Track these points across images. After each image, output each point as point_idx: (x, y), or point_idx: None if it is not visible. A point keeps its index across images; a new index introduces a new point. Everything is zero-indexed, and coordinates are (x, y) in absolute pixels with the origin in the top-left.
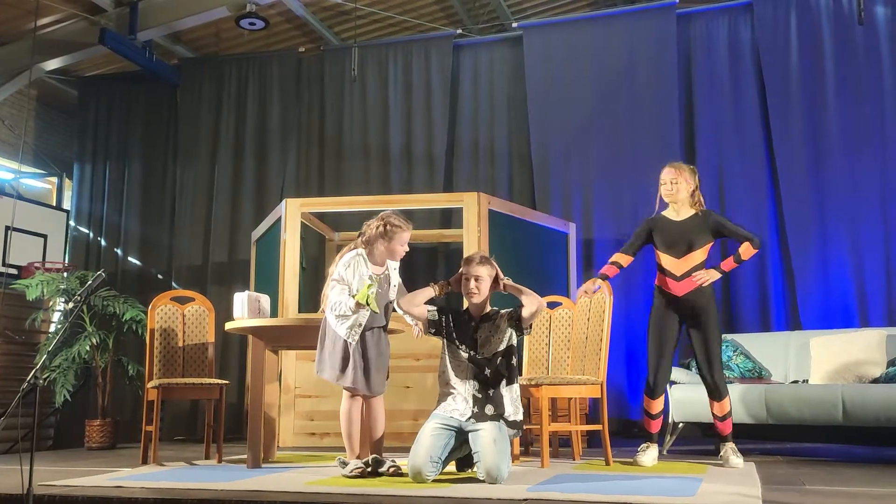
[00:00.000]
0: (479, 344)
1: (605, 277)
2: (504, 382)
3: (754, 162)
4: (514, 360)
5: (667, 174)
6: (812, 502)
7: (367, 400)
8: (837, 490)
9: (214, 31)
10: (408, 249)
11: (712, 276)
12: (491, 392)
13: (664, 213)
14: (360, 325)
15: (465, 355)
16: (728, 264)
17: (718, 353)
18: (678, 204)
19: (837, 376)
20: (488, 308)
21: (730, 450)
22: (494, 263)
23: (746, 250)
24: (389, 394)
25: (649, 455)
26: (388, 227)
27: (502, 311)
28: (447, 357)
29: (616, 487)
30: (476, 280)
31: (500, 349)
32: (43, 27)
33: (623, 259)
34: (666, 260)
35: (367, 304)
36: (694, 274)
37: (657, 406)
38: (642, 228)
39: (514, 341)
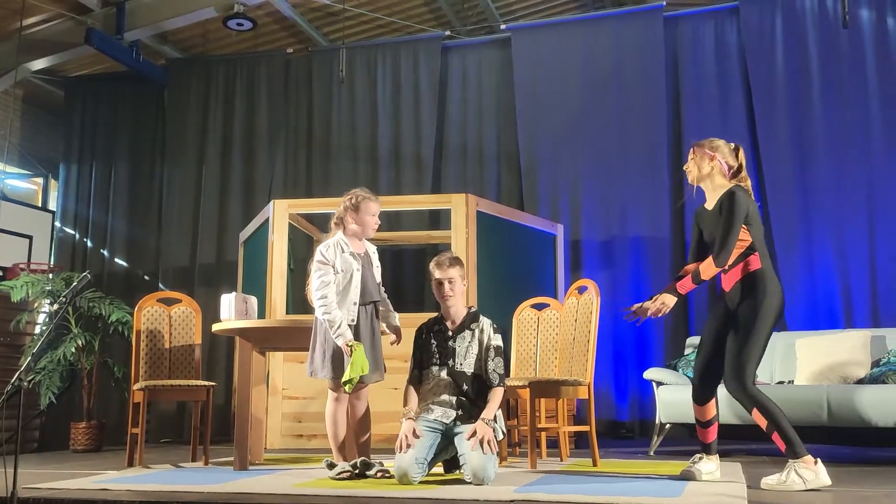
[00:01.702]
0: (458, 354)
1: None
2: (488, 387)
3: None
4: (498, 363)
5: (689, 154)
6: (797, 502)
7: (353, 401)
8: (822, 491)
9: (202, 32)
10: (378, 223)
11: (666, 303)
12: (475, 397)
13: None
14: (353, 320)
15: (443, 375)
16: (685, 286)
17: (743, 365)
18: (705, 189)
19: (822, 377)
20: (464, 311)
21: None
22: (462, 261)
23: (707, 268)
24: (378, 396)
25: (703, 466)
26: (355, 199)
27: (483, 326)
28: (423, 383)
29: (603, 488)
30: (450, 282)
31: (478, 356)
32: (29, 27)
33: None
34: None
35: (360, 370)
36: (655, 298)
37: (703, 413)
38: (693, 224)
39: (497, 342)
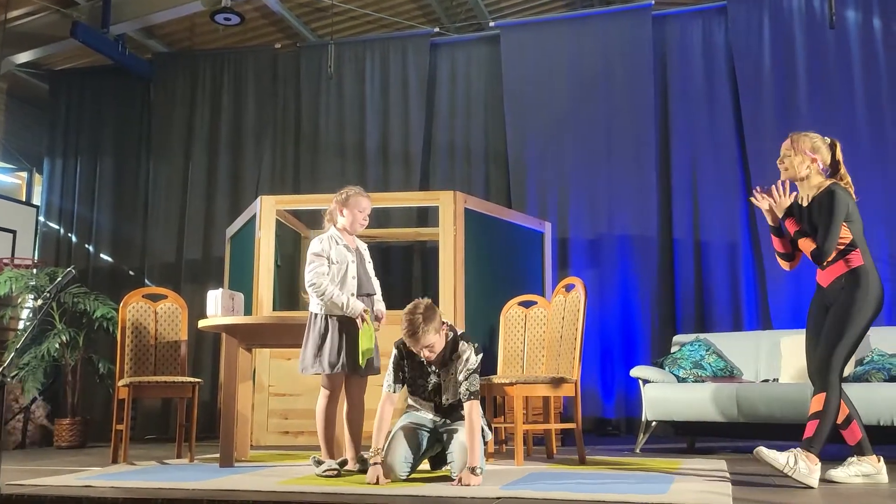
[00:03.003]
0: (444, 390)
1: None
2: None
3: (727, 162)
4: (473, 381)
5: (784, 146)
6: (782, 500)
7: (353, 392)
8: (807, 486)
9: (189, 26)
10: (367, 220)
11: (781, 204)
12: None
13: (798, 194)
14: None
15: (430, 411)
16: (790, 224)
17: (830, 353)
18: (799, 186)
19: (807, 375)
20: (443, 342)
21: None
22: (433, 308)
23: (808, 246)
24: (366, 392)
25: (850, 469)
26: (345, 195)
27: (463, 355)
28: (409, 398)
29: (589, 486)
30: (429, 348)
31: (458, 386)
32: (13, 19)
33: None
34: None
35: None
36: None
37: (816, 404)
38: (794, 214)
39: (475, 366)
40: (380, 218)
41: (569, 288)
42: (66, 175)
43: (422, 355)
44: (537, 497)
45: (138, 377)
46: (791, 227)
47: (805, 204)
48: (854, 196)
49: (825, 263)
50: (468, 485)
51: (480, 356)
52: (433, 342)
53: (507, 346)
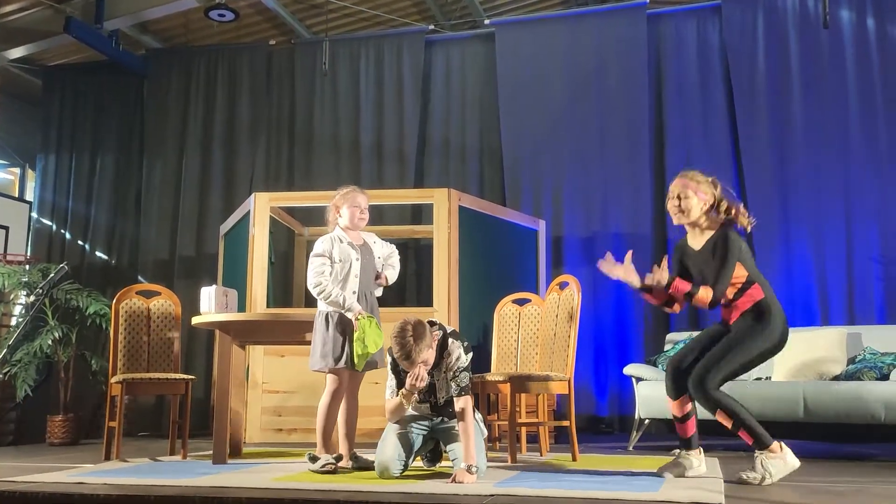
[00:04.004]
0: (438, 389)
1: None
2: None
3: (721, 162)
4: (463, 378)
5: (673, 186)
6: (773, 497)
7: (348, 393)
8: (798, 485)
9: (183, 22)
10: (365, 214)
11: (660, 280)
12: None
13: (687, 235)
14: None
15: (425, 408)
16: (679, 287)
17: (706, 372)
18: (692, 227)
19: (799, 374)
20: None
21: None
22: (425, 324)
23: (704, 296)
24: (360, 390)
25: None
26: (342, 192)
27: (453, 350)
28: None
29: (582, 483)
30: (424, 364)
31: (451, 387)
32: (6, 14)
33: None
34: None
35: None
36: (654, 274)
37: (678, 408)
38: (674, 259)
39: (465, 364)
40: (373, 215)
41: (563, 286)
42: (59, 171)
43: (421, 373)
44: (530, 494)
45: (131, 374)
46: (683, 287)
47: (696, 248)
48: (751, 220)
49: (726, 302)
50: (462, 482)
51: (471, 355)
52: (427, 358)
53: (501, 344)
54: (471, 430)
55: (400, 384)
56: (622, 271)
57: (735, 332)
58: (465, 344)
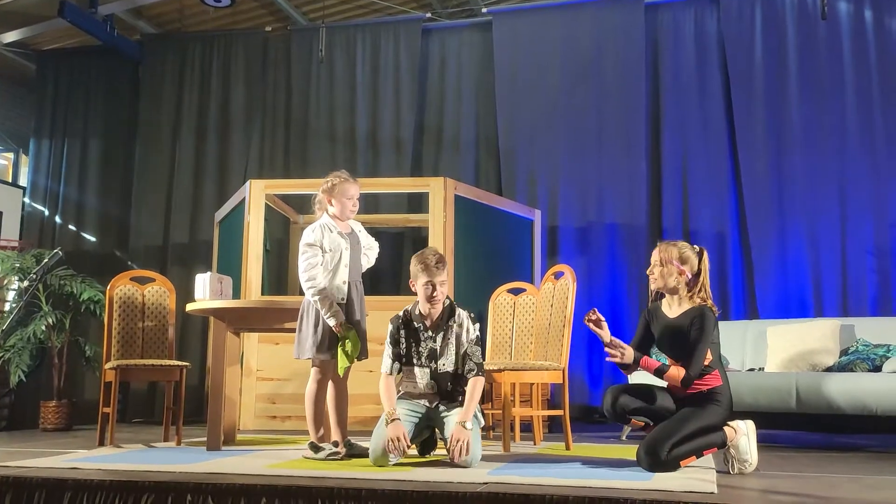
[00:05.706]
0: (440, 354)
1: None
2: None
3: (718, 153)
4: (476, 352)
5: (654, 254)
6: (766, 487)
7: (335, 381)
8: (790, 475)
9: (178, 8)
10: (356, 205)
11: (626, 356)
12: (455, 387)
13: (663, 300)
14: (343, 298)
15: (425, 375)
16: (649, 365)
17: (663, 442)
18: (671, 294)
19: (792, 365)
20: (441, 306)
21: None
22: (446, 259)
23: (676, 375)
24: (352, 378)
25: None
26: (330, 184)
27: (462, 321)
28: (402, 376)
29: (576, 472)
30: (441, 285)
31: (457, 353)
32: None
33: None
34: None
35: (348, 354)
36: (620, 344)
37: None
38: (641, 322)
39: (476, 334)
40: (369, 204)
41: (558, 275)
42: (52, 156)
43: (433, 294)
44: (524, 482)
45: (125, 360)
46: (651, 364)
47: (669, 315)
48: (715, 309)
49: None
50: (458, 440)
51: (478, 325)
52: (444, 280)
53: (496, 333)
54: (476, 394)
55: (397, 356)
56: (594, 326)
57: (694, 408)
58: (472, 315)
